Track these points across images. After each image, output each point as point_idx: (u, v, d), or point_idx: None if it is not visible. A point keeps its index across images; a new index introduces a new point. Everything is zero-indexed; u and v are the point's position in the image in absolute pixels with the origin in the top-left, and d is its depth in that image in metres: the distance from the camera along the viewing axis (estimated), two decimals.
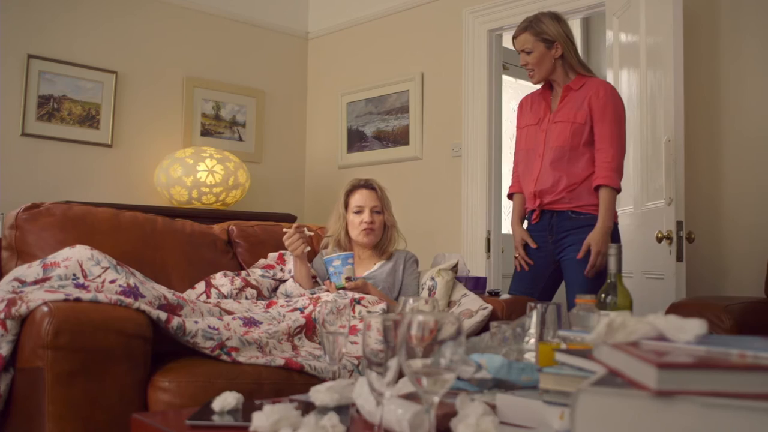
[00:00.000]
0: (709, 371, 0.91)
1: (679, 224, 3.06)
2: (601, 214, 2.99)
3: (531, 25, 3.14)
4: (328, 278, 2.87)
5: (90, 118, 4.67)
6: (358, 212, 3.02)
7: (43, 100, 4.48)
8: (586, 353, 1.23)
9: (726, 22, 3.61)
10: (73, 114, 4.60)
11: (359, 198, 3.03)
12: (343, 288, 2.76)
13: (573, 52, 3.15)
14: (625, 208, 3.68)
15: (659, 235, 3.13)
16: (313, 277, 3.01)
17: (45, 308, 1.84)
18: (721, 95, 3.60)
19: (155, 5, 4.98)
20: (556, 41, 3.10)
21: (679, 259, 3.06)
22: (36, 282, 2.10)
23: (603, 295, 1.88)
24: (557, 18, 3.14)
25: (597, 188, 3.02)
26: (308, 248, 2.90)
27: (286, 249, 2.94)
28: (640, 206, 3.48)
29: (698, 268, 3.43)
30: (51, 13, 4.55)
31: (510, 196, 3.40)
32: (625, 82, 3.72)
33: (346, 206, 3.07)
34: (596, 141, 3.06)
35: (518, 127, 3.35)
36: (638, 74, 3.54)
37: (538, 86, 3.32)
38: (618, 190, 3.05)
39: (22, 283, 2.10)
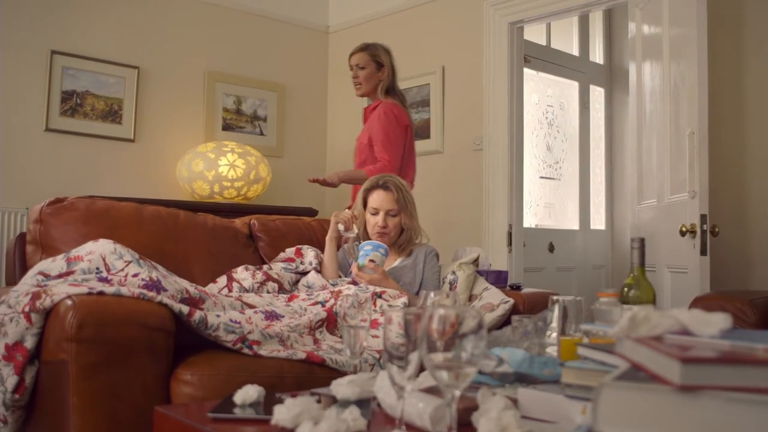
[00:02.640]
0: (734, 366, 0.90)
1: (702, 217, 3.03)
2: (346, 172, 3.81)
3: (368, 48, 3.89)
4: (356, 260, 2.89)
5: (112, 113, 4.70)
6: (374, 213, 3.01)
7: (66, 96, 4.52)
8: (608, 347, 1.23)
9: (750, 12, 3.56)
10: (96, 109, 4.64)
11: (376, 199, 3.02)
12: (364, 268, 2.77)
13: (391, 81, 3.88)
14: (648, 201, 3.65)
15: (683, 229, 3.10)
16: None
17: (69, 301, 1.86)
18: (746, 86, 3.56)
19: (176, 0, 5.00)
20: (384, 66, 3.85)
21: (703, 252, 3.03)
22: (60, 276, 2.12)
23: (626, 289, 1.87)
24: (388, 52, 3.92)
25: None
26: (348, 230, 3.01)
27: (303, 244, 2.96)
28: (664, 199, 3.45)
29: (723, 262, 3.40)
30: (73, 9, 4.58)
31: None
32: (648, 74, 3.69)
33: (365, 204, 3.07)
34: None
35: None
36: (661, 66, 3.51)
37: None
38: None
39: (47, 276, 2.12)
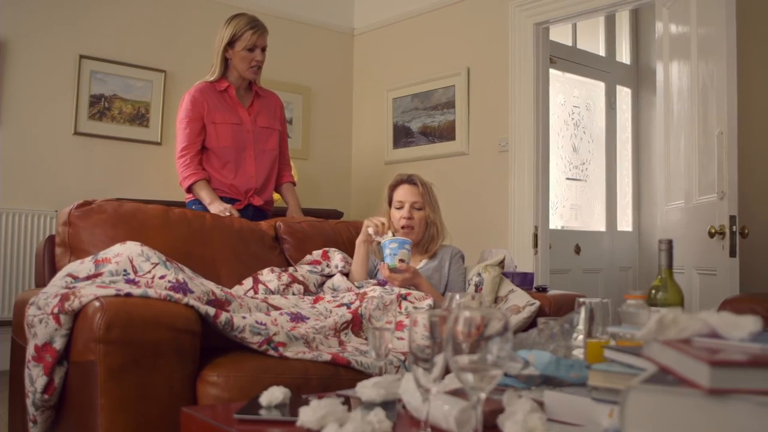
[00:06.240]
0: (764, 369, 0.88)
1: (732, 219, 3.00)
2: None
3: (266, 28, 3.59)
4: (382, 260, 2.87)
5: (140, 117, 4.75)
6: (399, 208, 3.03)
7: (94, 100, 4.58)
8: (636, 350, 1.21)
9: None
10: (124, 113, 4.69)
11: (401, 193, 3.05)
12: (396, 269, 2.75)
13: None
14: (676, 202, 3.61)
15: (712, 230, 3.07)
16: None
17: (97, 303, 1.87)
18: None
19: (203, 4, 5.04)
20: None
21: (732, 254, 3.00)
22: (88, 278, 2.14)
23: (653, 291, 1.85)
24: None
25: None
26: (378, 234, 2.92)
27: (329, 246, 2.96)
28: (692, 200, 3.41)
29: (752, 264, 3.36)
30: (101, 14, 4.63)
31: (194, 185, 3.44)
32: (676, 74, 3.65)
33: (390, 201, 3.08)
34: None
35: (214, 123, 3.50)
36: (689, 66, 3.47)
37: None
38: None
39: (75, 278, 2.14)
